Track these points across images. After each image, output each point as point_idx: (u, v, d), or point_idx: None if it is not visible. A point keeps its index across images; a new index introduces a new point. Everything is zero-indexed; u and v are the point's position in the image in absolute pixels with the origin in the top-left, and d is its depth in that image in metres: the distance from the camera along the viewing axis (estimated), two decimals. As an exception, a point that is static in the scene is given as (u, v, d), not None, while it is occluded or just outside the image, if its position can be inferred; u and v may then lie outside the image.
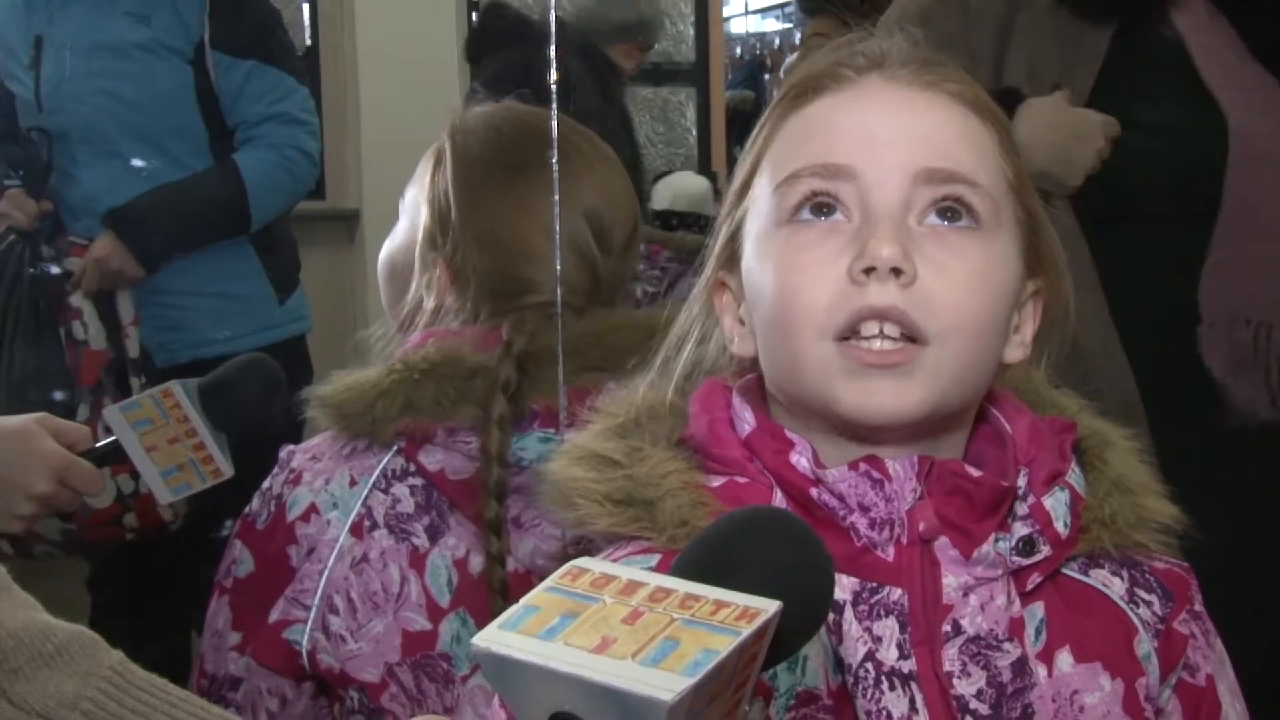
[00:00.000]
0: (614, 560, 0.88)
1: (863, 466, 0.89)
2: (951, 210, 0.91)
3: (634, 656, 0.60)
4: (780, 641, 0.65)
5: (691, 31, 5.18)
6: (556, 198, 1.35)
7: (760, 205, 0.95)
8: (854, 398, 0.88)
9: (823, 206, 0.91)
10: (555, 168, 1.35)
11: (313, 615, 1.35)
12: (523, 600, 0.64)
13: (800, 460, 0.91)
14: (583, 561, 0.66)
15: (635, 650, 0.60)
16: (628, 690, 0.59)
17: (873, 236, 0.88)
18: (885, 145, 0.91)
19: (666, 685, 0.59)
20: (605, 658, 0.60)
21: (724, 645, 0.60)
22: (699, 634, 0.61)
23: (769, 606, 0.63)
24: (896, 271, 0.87)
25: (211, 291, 2.59)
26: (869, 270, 0.88)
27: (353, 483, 1.36)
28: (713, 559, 0.68)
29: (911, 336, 0.88)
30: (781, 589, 0.65)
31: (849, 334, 0.88)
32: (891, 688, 0.87)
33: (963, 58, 1.68)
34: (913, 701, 0.87)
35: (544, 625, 0.62)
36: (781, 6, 7.29)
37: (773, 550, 0.69)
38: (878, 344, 0.88)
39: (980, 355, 0.91)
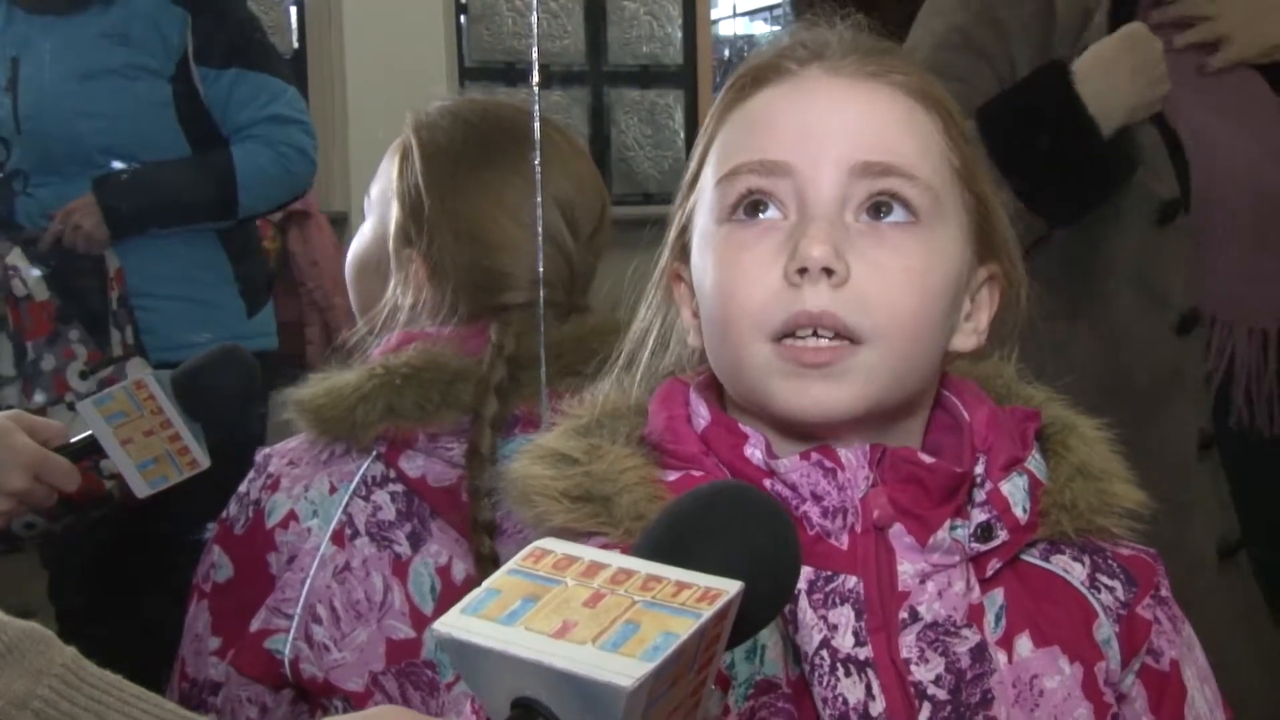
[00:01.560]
0: None
1: (815, 456, 0.90)
2: (887, 205, 0.91)
3: (594, 641, 0.59)
4: (745, 620, 0.64)
5: (679, 34, 5.17)
6: (539, 199, 1.34)
7: (705, 199, 0.96)
8: (787, 397, 0.89)
9: (759, 205, 0.92)
10: (538, 170, 1.34)
11: (295, 624, 1.33)
12: (485, 583, 0.63)
13: (754, 453, 0.91)
14: (545, 543, 0.65)
15: (596, 634, 0.60)
16: (587, 676, 0.58)
17: (804, 236, 0.88)
18: (821, 140, 0.91)
19: (625, 671, 0.58)
20: (565, 642, 0.59)
21: (684, 628, 0.60)
22: (660, 617, 0.60)
23: (730, 587, 0.62)
24: (829, 272, 0.88)
25: (181, 296, 2.58)
26: (802, 271, 0.88)
27: (332, 489, 1.35)
28: (676, 536, 0.68)
29: (847, 336, 0.88)
30: (746, 567, 0.65)
31: (785, 334, 0.89)
32: (847, 674, 0.87)
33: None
34: (869, 688, 0.87)
35: (505, 609, 0.61)
36: (770, 9, 7.27)
37: (737, 527, 0.68)
38: (812, 343, 0.88)
39: (918, 352, 0.91)
